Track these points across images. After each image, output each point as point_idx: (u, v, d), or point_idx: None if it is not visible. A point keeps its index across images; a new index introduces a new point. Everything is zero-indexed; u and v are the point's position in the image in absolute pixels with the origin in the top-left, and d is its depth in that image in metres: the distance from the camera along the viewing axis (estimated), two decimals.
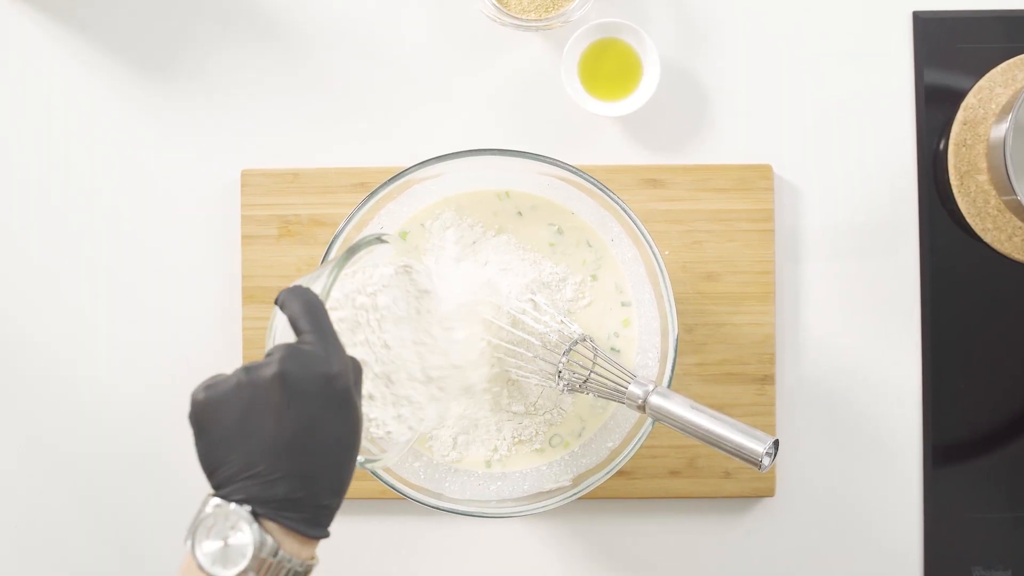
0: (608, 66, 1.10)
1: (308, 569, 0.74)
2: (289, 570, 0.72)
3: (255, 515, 0.72)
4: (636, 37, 1.09)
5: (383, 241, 0.90)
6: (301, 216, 1.11)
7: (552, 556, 1.13)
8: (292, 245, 1.10)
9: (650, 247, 0.97)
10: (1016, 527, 1.11)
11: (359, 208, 0.97)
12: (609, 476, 0.97)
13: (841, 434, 1.12)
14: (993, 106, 1.08)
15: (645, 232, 0.97)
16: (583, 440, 1.04)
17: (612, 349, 1.03)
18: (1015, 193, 1.02)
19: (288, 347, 0.75)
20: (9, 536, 1.13)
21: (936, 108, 1.12)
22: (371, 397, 0.90)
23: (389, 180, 0.97)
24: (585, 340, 0.97)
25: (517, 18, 1.09)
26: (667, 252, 1.10)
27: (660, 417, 0.93)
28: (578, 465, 1.02)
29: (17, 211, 1.13)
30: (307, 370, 0.73)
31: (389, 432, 0.90)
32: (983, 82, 1.08)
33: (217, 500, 0.72)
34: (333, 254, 0.96)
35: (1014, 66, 1.08)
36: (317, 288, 0.81)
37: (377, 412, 0.90)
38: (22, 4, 1.14)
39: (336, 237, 0.97)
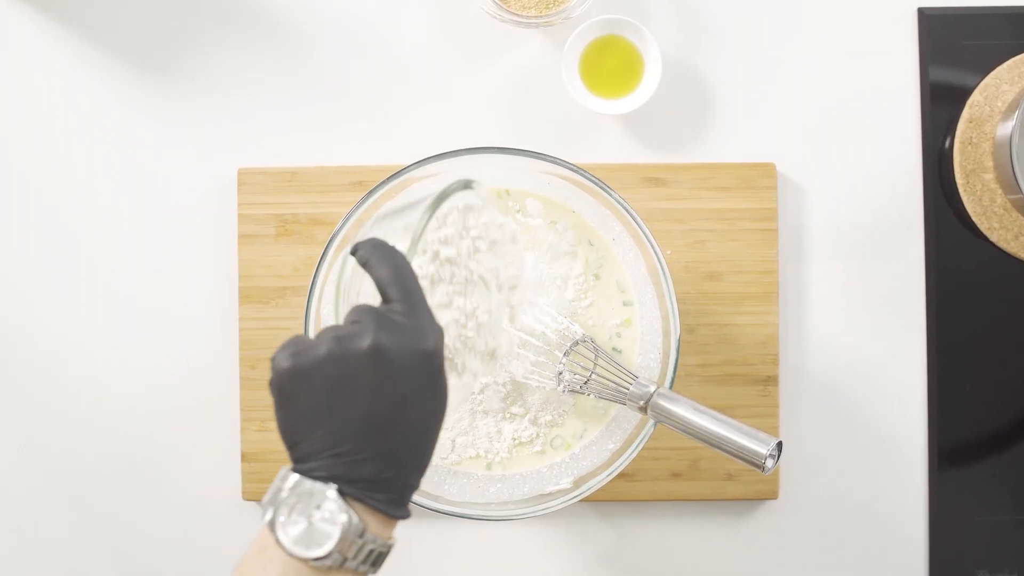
0: (609, 63, 1.10)
1: (388, 550, 0.72)
2: (372, 551, 0.70)
3: (340, 494, 0.69)
4: (638, 34, 1.09)
5: (469, 187, 0.84)
6: (299, 215, 1.10)
7: (552, 559, 1.13)
8: (290, 244, 1.10)
9: (652, 246, 0.97)
10: (1022, 530, 1.11)
11: (357, 207, 0.97)
12: (610, 478, 0.97)
13: (845, 436, 1.12)
14: (999, 104, 1.07)
15: (647, 231, 0.97)
16: (584, 442, 1.03)
17: (614, 349, 1.03)
18: (1021, 192, 1.02)
19: (379, 316, 0.71)
20: (4, 537, 1.13)
21: (941, 106, 1.11)
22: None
23: (388, 179, 0.97)
24: (586, 340, 0.97)
25: (517, 15, 1.09)
26: (669, 251, 1.10)
27: (662, 418, 0.93)
28: (579, 467, 1.02)
29: (14, 209, 1.14)
30: (403, 345, 0.70)
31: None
32: (989, 79, 1.08)
33: (298, 476, 0.70)
34: (331, 253, 0.96)
35: (1020, 63, 1.08)
36: (403, 245, 0.76)
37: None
38: (21, 4, 1.13)
39: (334, 236, 0.96)
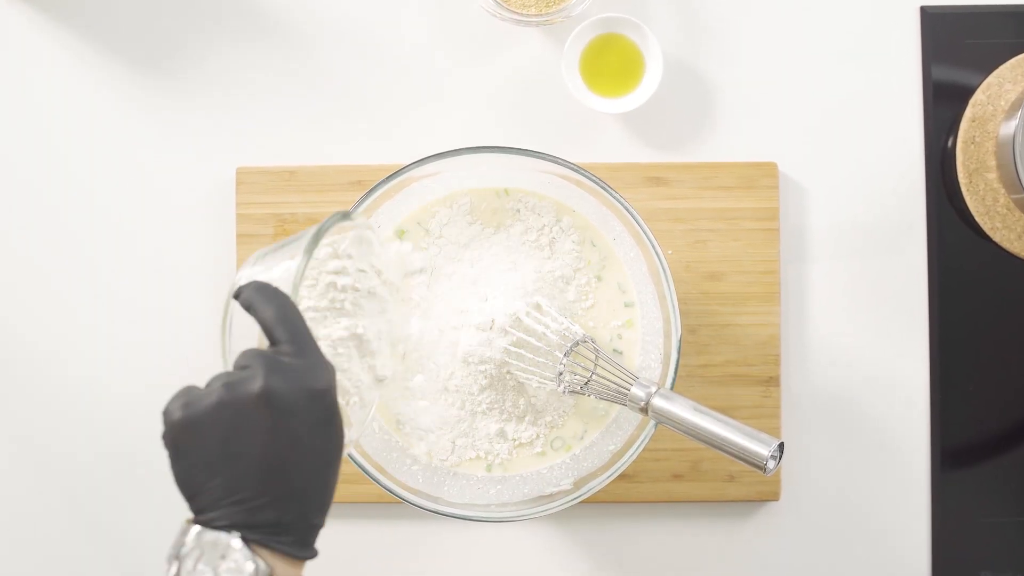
0: (610, 62, 1.10)
1: None
2: None
3: (244, 541, 0.69)
4: (638, 32, 1.09)
5: (348, 217, 0.85)
6: (297, 215, 1.10)
7: (553, 561, 1.12)
8: None
9: (653, 246, 0.97)
10: None
11: (356, 206, 0.96)
12: (611, 480, 0.97)
13: (847, 437, 1.11)
14: (1002, 103, 1.07)
15: (648, 231, 0.97)
16: (585, 443, 1.03)
17: (615, 351, 1.03)
18: None
19: (268, 359, 0.71)
20: (2, 537, 1.13)
21: (944, 105, 1.11)
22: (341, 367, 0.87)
23: (387, 178, 0.97)
24: (586, 341, 0.96)
25: (517, 13, 1.08)
26: (670, 251, 1.10)
27: (663, 419, 0.92)
28: (579, 468, 1.02)
29: (12, 209, 1.13)
30: (294, 386, 0.70)
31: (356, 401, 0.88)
32: (992, 78, 1.08)
33: (199, 527, 0.70)
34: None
35: (1023, 62, 1.07)
36: (286, 285, 0.76)
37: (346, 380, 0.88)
38: (20, 3, 1.13)
39: None
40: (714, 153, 1.12)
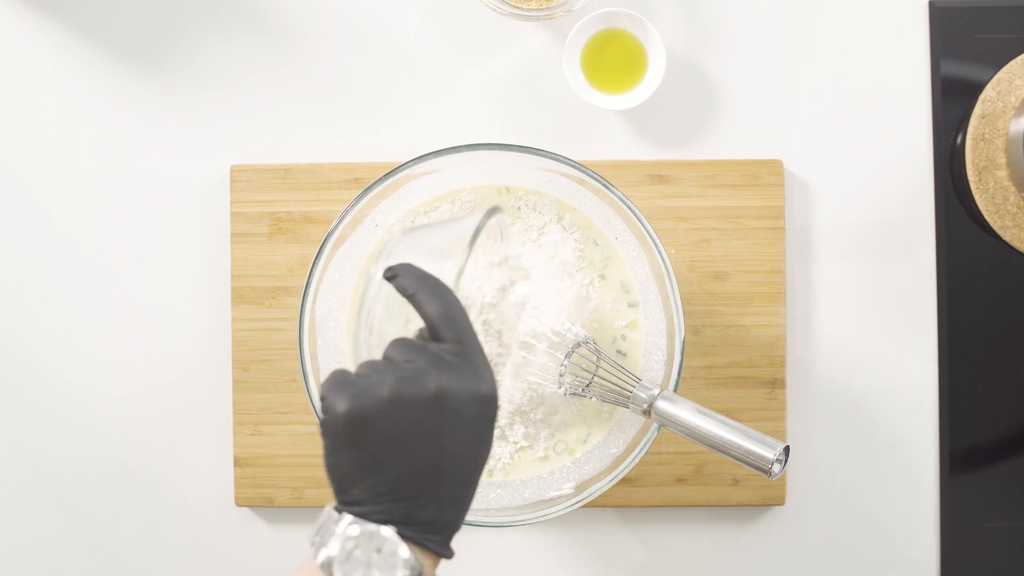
0: (612, 58, 1.10)
1: None
2: None
3: (400, 536, 0.70)
4: (641, 27, 1.08)
5: (500, 210, 0.85)
6: (293, 213, 1.10)
7: (554, 566, 1.12)
8: (284, 243, 1.10)
9: (656, 246, 0.96)
10: None
11: (353, 205, 0.96)
12: (613, 483, 0.97)
13: (854, 440, 1.11)
14: (1012, 99, 1.07)
15: (651, 230, 0.96)
16: (587, 447, 1.03)
17: (618, 352, 1.03)
18: None
19: (436, 357, 0.72)
20: None
21: (953, 101, 1.11)
22: None
23: (385, 176, 0.97)
24: (588, 342, 0.95)
25: (518, 7, 1.08)
26: (673, 251, 1.10)
27: (666, 422, 0.92)
28: (581, 472, 1.02)
29: (0, 208, 1.13)
30: (464, 389, 0.71)
31: None
32: (1002, 74, 1.08)
33: (353, 518, 0.70)
34: (327, 252, 0.96)
35: None
36: (448, 279, 0.77)
37: None
38: None
39: (329, 235, 0.96)
40: (718, 150, 1.12)
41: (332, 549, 0.69)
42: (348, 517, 0.70)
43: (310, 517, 1.11)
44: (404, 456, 0.70)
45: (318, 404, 0.94)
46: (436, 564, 0.72)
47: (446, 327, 0.73)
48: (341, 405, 0.70)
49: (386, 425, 0.69)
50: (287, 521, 1.11)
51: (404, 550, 0.69)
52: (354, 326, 0.82)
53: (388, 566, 0.69)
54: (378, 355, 0.77)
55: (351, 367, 0.96)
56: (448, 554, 0.72)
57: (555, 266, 1.01)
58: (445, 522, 0.71)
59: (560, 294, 1.00)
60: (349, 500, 0.70)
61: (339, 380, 0.71)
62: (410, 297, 0.75)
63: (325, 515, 0.71)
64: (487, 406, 0.72)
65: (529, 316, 0.98)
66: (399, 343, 0.74)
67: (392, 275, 0.76)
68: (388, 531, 0.69)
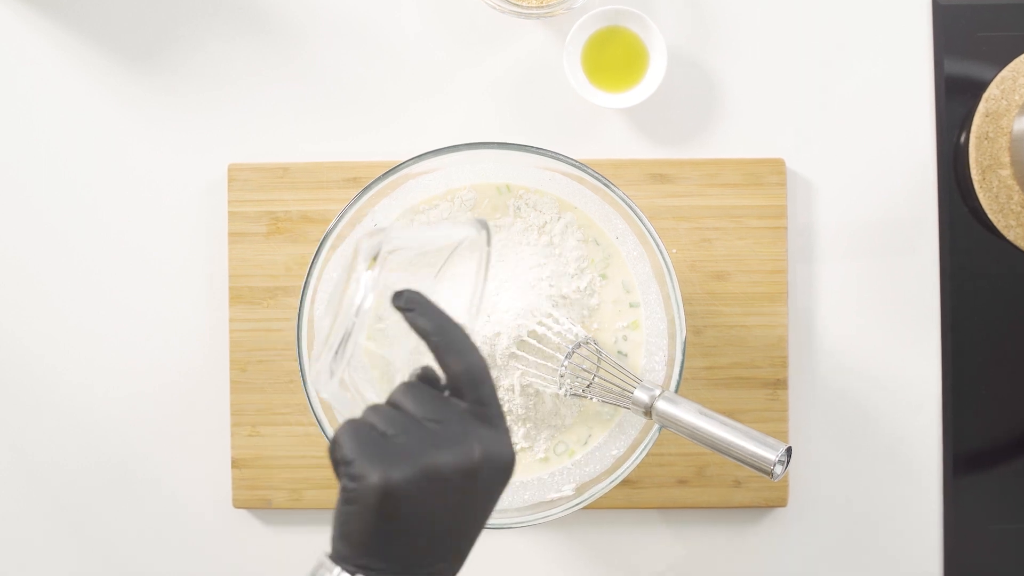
0: (613, 56, 1.09)
1: None
2: None
3: None
4: (642, 25, 1.08)
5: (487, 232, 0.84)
6: (291, 212, 1.10)
7: (554, 569, 1.12)
8: (282, 243, 1.09)
9: (657, 245, 0.96)
10: None
11: (352, 204, 0.96)
12: (614, 485, 0.96)
13: (857, 441, 1.11)
14: (1016, 97, 1.07)
15: (651, 229, 0.96)
16: (588, 448, 1.03)
17: (619, 353, 1.03)
18: None
19: (468, 422, 0.69)
20: None
21: (956, 99, 1.11)
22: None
23: (384, 174, 0.96)
24: (588, 343, 0.95)
25: (518, 5, 1.08)
26: (674, 250, 1.10)
27: (667, 423, 0.92)
28: (581, 474, 1.01)
29: None
30: (496, 460, 0.69)
31: None
32: (1006, 72, 1.07)
33: (343, 573, 0.67)
34: (325, 252, 0.96)
35: None
36: (462, 316, 0.75)
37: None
38: None
39: (328, 234, 0.96)
40: (720, 149, 1.11)
41: None
42: (336, 569, 0.67)
43: (308, 519, 1.10)
44: (431, 525, 0.67)
45: (329, 431, 0.93)
46: None
47: (470, 388, 0.70)
48: (374, 476, 0.65)
49: (421, 498, 0.66)
50: (285, 523, 1.10)
51: None
52: (327, 329, 0.78)
53: None
54: (368, 377, 0.74)
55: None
56: None
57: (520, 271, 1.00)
58: (440, 572, 0.69)
59: (510, 292, 0.98)
60: (361, 565, 0.67)
61: (366, 441, 0.67)
62: (427, 339, 0.71)
63: (317, 562, 0.68)
64: (510, 472, 0.70)
65: (517, 318, 0.96)
66: (418, 393, 0.70)
67: (406, 307, 0.73)
68: None
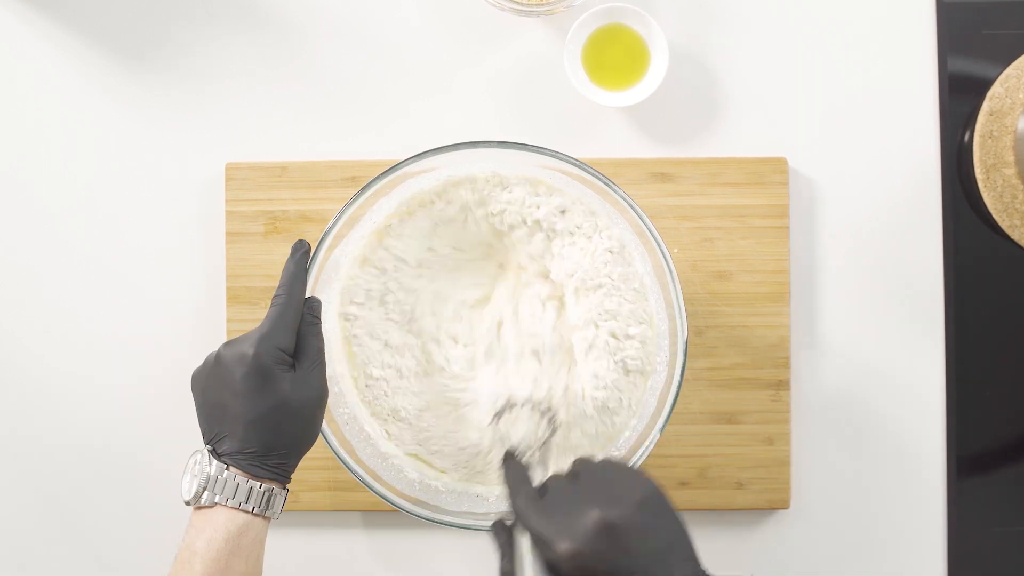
0: (614, 54, 1.09)
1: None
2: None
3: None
4: (643, 23, 1.08)
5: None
6: (289, 212, 1.10)
7: None
8: (280, 242, 1.09)
9: (658, 245, 0.96)
10: None
11: (350, 203, 0.96)
12: None
13: (860, 443, 1.11)
14: (1021, 95, 1.06)
15: (653, 229, 0.96)
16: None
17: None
18: None
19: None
20: None
21: (960, 98, 1.11)
22: None
23: (382, 174, 0.96)
24: (522, 406, 0.98)
25: (518, 3, 1.08)
26: (676, 250, 1.09)
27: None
28: None
29: None
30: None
31: None
32: (1010, 70, 1.06)
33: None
34: (323, 252, 0.96)
35: None
36: None
37: None
38: None
39: (326, 234, 0.96)
40: (722, 148, 1.11)
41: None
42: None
43: (305, 520, 1.10)
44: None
45: (331, 438, 0.99)
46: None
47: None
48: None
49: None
50: (284, 524, 1.10)
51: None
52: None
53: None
54: None
55: (348, 374, 1.01)
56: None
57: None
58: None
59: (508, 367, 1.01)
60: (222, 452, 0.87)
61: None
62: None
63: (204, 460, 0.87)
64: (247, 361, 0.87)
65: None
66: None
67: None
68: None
